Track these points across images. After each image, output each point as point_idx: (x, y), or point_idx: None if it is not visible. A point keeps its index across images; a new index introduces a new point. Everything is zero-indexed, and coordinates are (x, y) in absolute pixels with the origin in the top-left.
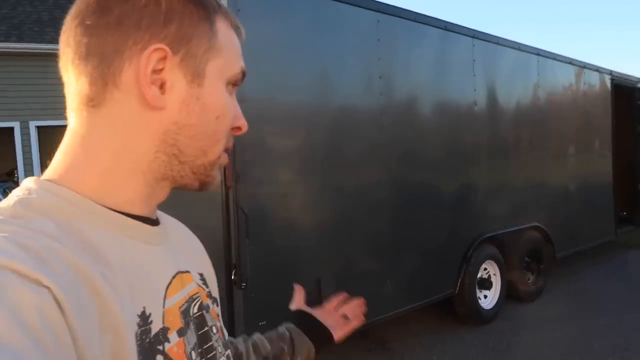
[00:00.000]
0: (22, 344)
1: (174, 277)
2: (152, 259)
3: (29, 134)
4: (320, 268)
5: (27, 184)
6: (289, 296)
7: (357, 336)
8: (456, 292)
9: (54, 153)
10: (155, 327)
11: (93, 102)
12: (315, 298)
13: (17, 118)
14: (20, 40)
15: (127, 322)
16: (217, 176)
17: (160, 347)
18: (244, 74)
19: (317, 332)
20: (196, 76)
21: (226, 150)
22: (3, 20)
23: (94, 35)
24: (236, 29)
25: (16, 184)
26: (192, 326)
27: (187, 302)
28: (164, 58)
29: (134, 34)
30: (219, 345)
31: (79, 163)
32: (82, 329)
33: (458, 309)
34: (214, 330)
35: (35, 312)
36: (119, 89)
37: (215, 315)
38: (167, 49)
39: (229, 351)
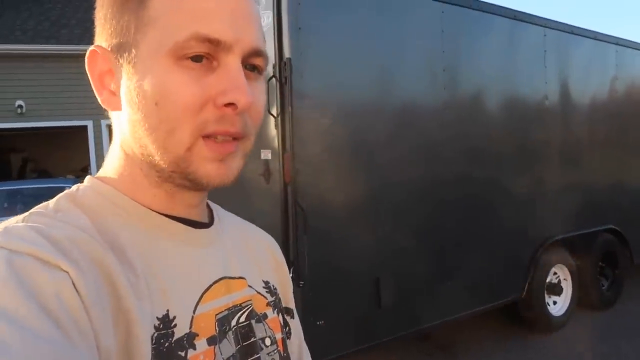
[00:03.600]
0: (43, 326)
1: (216, 282)
2: (188, 261)
3: (100, 132)
4: (380, 267)
5: (84, 181)
6: (346, 294)
7: (418, 339)
8: (523, 296)
9: None
10: (179, 332)
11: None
12: (374, 299)
13: (90, 117)
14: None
15: (142, 321)
16: (211, 169)
17: (182, 353)
18: (209, 40)
19: None
20: (132, 64)
21: (218, 134)
22: (78, 24)
23: None
24: None
25: None
26: (231, 336)
27: (229, 309)
28: (104, 58)
29: (94, 39)
30: (272, 359)
31: (114, 164)
32: (98, 316)
33: (525, 315)
34: (267, 342)
35: (54, 295)
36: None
37: (276, 326)
38: (97, 48)
39: None
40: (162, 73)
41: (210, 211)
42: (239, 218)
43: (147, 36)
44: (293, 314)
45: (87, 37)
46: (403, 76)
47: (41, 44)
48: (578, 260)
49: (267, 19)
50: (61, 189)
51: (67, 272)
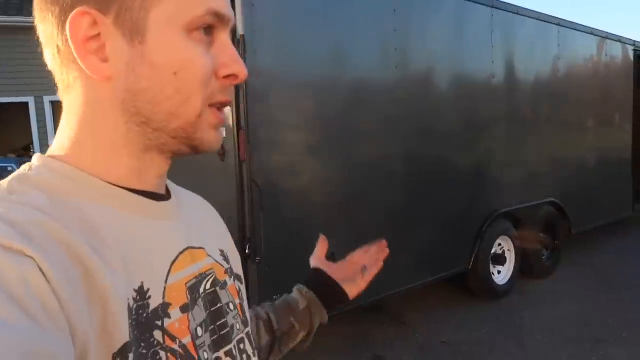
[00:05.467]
0: (10, 314)
1: (181, 253)
2: (155, 234)
3: (43, 108)
4: (334, 242)
5: (32, 160)
6: (302, 270)
7: (372, 309)
8: (470, 267)
9: None
10: (154, 303)
11: (63, 85)
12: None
13: (31, 93)
14: (31, 14)
15: (119, 297)
16: (212, 136)
17: (159, 323)
18: (218, 15)
19: (331, 292)
20: (136, 33)
21: (222, 104)
22: None
23: (37, 13)
24: None
25: (31, 158)
26: (200, 302)
27: (196, 278)
28: (94, 22)
29: (61, 2)
30: (237, 322)
31: (71, 140)
32: (70, 299)
33: (472, 285)
34: (232, 307)
35: (19, 282)
36: (67, 67)
37: (234, 292)
38: (92, 11)
39: (248, 329)
40: (180, 45)
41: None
42: (186, 190)
43: (159, 8)
44: (242, 279)
45: (26, 8)
46: (356, 54)
47: None
48: (521, 232)
49: None
50: (3, 170)
51: (32, 257)
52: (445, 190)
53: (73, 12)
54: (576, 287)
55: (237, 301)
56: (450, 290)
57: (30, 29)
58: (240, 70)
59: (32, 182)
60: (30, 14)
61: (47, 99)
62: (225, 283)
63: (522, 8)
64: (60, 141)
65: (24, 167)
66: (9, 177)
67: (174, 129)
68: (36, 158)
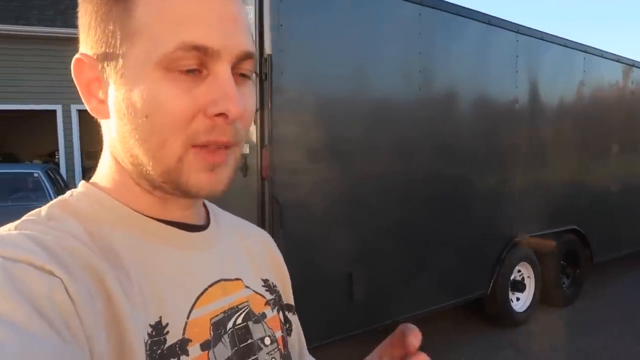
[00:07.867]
0: (37, 327)
1: (211, 285)
2: (182, 266)
3: (70, 117)
4: (352, 262)
5: (78, 187)
6: (320, 289)
7: (388, 332)
8: (488, 292)
9: (93, 137)
10: (172, 339)
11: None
12: (346, 293)
13: (59, 101)
14: (65, 25)
15: (135, 330)
16: (202, 179)
17: None
18: (198, 48)
19: None
20: (120, 74)
21: (210, 144)
22: (50, 5)
23: None
24: None
25: (57, 165)
26: (226, 339)
27: (224, 312)
28: (90, 66)
29: (79, 46)
30: (273, 358)
31: (105, 168)
32: (90, 321)
33: (489, 310)
34: (267, 342)
35: (47, 299)
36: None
37: (275, 325)
38: (83, 56)
39: None
40: (152, 85)
41: (207, 212)
42: (234, 216)
43: (134, 47)
44: (294, 310)
45: (59, 19)
46: (380, 75)
47: (10, 24)
48: (541, 259)
49: (248, 14)
50: (29, 175)
51: (60, 278)
52: (466, 213)
53: (74, 58)
54: (597, 319)
55: (279, 334)
56: (466, 315)
57: (62, 40)
58: (230, 107)
59: (70, 209)
60: (61, 24)
61: (74, 107)
62: (263, 315)
63: (548, 34)
64: (100, 169)
65: (68, 193)
66: (51, 202)
67: (160, 172)
68: (80, 184)
